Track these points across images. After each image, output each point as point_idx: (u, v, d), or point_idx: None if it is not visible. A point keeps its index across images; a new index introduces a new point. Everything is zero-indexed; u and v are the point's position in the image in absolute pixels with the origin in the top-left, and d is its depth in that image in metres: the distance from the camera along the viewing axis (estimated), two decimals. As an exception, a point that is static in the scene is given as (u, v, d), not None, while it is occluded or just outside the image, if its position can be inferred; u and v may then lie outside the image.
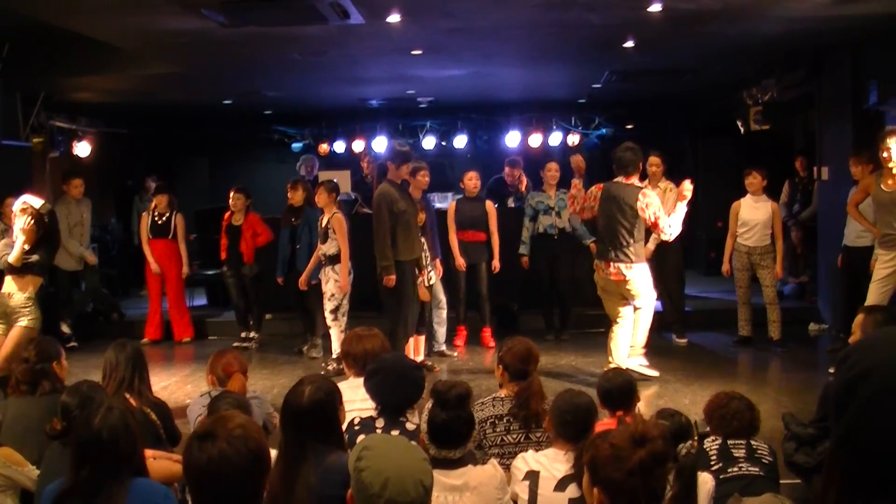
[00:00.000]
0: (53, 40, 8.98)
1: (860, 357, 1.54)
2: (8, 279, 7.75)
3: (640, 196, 8.41)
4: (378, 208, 8.75)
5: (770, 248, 10.08)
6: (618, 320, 8.58)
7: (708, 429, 4.67)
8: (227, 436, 2.75)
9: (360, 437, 3.89)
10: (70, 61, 10.18)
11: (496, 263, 10.46)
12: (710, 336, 11.01)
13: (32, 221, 7.62)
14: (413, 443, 3.26)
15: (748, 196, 10.26)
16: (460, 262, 10.23)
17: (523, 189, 12.12)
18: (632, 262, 8.40)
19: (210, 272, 12.66)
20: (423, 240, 9.24)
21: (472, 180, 10.58)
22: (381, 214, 8.70)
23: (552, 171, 10.73)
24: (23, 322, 7.63)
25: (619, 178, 8.58)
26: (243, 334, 11.35)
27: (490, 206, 10.66)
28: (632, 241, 8.41)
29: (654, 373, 8.79)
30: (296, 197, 10.45)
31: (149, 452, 3.92)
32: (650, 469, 2.61)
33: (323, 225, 9.71)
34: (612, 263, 8.43)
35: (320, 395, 3.60)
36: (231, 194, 11.14)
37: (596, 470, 2.66)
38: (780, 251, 10.19)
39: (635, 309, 8.63)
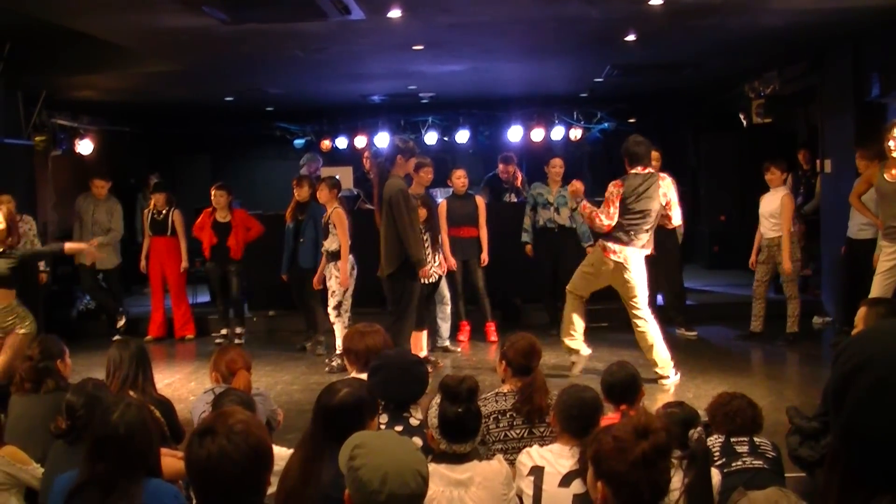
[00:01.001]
0: (55, 39, 8.98)
1: (856, 350, 1.54)
2: None
3: (659, 182, 8.33)
4: (401, 204, 8.44)
5: (781, 238, 9.98)
6: (638, 322, 8.47)
7: (709, 422, 4.67)
8: (227, 432, 2.76)
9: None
10: (71, 60, 10.19)
11: (484, 257, 10.54)
12: (714, 330, 11.00)
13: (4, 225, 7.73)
14: (412, 437, 3.25)
15: (771, 189, 10.20)
16: (451, 262, 10.22)
17: (519, 184, 12.16)
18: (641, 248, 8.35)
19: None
20: (425, 237, 9.21)
21: (460, 178, 10.67)
22: (406, 209, 8.45)
23: (556, 167, 10.74)
24: (21, 330, 7.69)
25: (637, 170, 8.37)
26: (224, 331, 11.38)
27: (480, 201, 10.74)
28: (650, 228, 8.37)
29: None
30: (302, 193, 10.46)
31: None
32: (653, 461, 2.60)
33: (324, 221, 9.72)
34: (629, 245, 8.29)
35: (349, 401, 3.61)
36: (213, 192, 11.16)
37: (599, 463, 2.66)
38: (785, 243, 9.87)
39: (636, 320, 8.53)
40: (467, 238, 10.51)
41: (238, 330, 11.32)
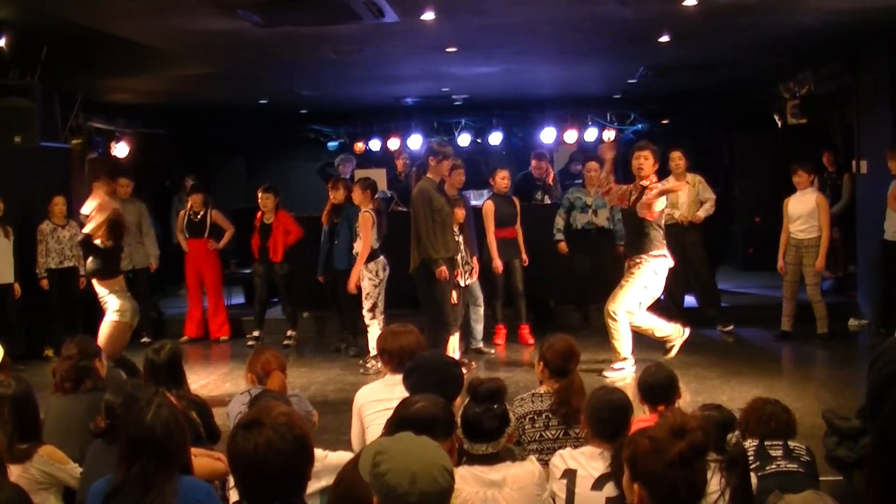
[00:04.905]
0: (90, 43, 9.06)
1: (891, 357, 1.52)
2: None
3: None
4: (418, 205, 8.70)
5: (816, 241, 9.96)
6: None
7: (742, 427, 4.64)
8: (272, 423, 2.78)
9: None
10: (107, 63, 10.26)
11: (525, 258, 10.51)
12: (749, 332, 10.93)
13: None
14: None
15: (798, 191, 10.17)
16: (497, 263, 10.24)
17: (550, 181, 12.15)
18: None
19: (247, 271, 12.72)
20: (459, 238, 9.22)
21: (504, 179, 10.64)
22: (423, 210, 8.66)
23: (592, 170, 10.73)
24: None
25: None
26: (256, 333, 11.43)
27: (517, 201, 10.74)
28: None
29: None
30: (337, 195, 10.50)
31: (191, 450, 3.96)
32: (690, 461, 2.59)
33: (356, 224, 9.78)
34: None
35: (421, 414, 3.52)
36: (259, 195, 11.22)
37: (636, 464, 2.66)
38: (823, 244, 9.99)
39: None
40: (510, 239, 10.50)
41: (289, 332, 11.35)
